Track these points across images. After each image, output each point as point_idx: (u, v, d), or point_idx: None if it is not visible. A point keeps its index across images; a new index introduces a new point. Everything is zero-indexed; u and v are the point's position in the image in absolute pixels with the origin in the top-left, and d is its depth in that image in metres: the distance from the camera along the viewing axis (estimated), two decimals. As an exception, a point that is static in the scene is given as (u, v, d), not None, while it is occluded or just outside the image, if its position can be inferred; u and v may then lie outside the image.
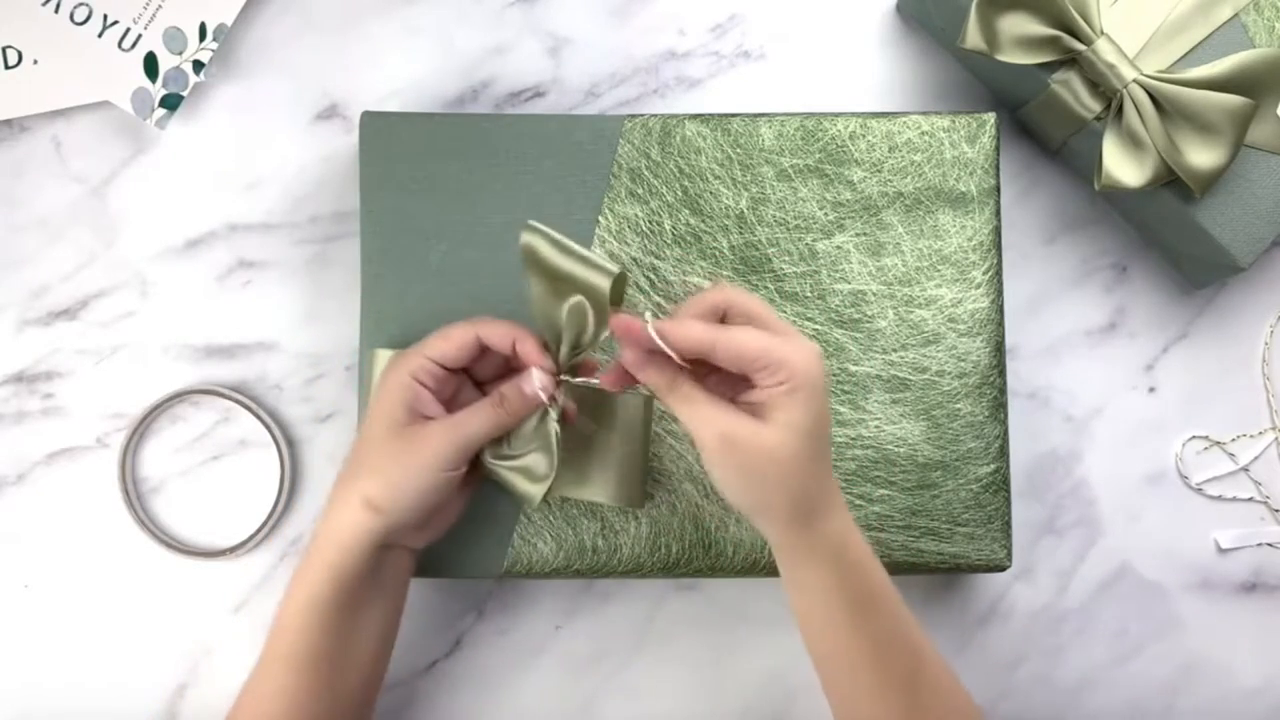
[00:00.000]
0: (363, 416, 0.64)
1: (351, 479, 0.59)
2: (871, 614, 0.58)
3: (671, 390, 0.57)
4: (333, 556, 0.58)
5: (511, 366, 0.62)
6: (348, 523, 0.58)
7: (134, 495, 0.71)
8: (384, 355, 0.64)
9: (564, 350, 0.59)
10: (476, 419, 0.60)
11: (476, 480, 0.63)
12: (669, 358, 0.57)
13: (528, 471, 0.61)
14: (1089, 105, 0.67)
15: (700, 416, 0.56)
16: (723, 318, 0.58)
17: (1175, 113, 0.65)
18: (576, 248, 0.57)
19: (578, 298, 0.57)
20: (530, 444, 0.61)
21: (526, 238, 0.57)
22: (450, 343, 0.60)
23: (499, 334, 0.60)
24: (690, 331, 0.56)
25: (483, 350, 0.61)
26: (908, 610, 0.59)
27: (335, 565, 0.58)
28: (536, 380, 0.59)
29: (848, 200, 0.68)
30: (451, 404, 0.62)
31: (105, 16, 0.71)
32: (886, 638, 0.58)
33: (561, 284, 0.58)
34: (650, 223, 0.68)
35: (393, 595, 0.62)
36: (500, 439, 0.62)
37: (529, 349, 0.60)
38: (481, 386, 0.64)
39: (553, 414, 0.60)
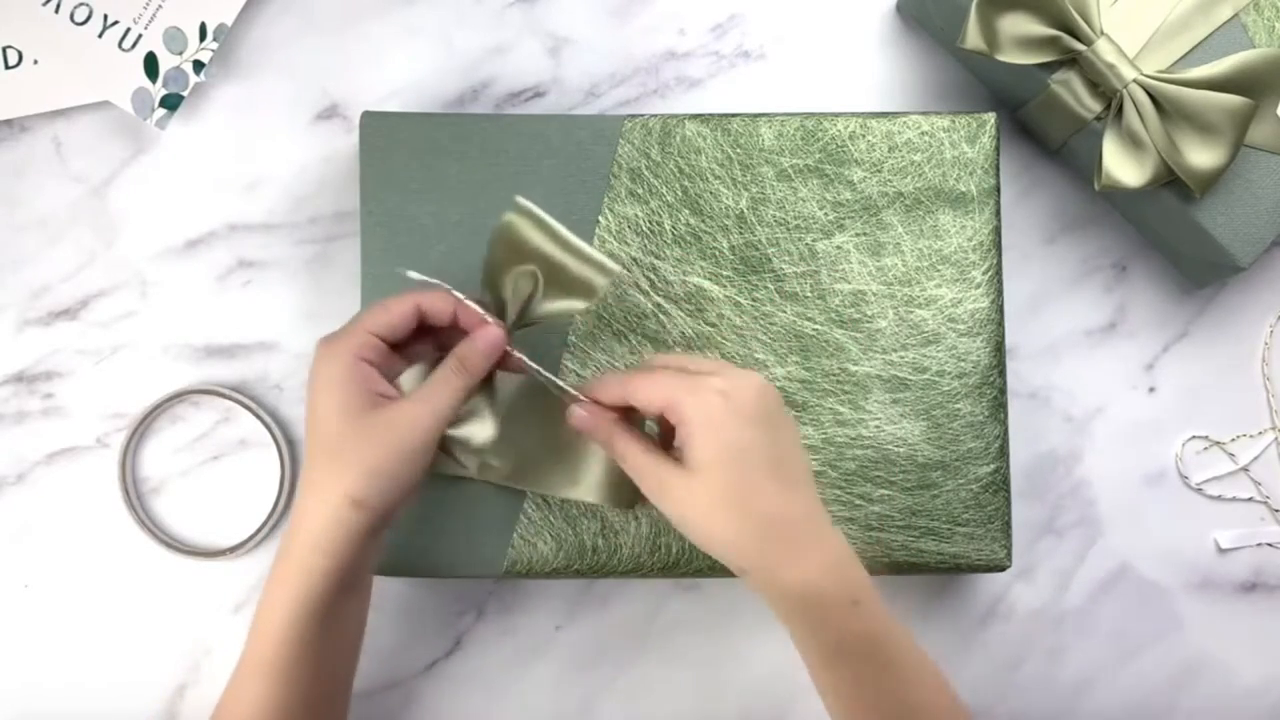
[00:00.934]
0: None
1: (323, 478, 0.56)
2: (840, 666, 0.56)
3: (608, 444, 0.59)
4: (317, 562, 0.56)
5: (442, 344, 0.60)
6: (330, 523, 0.55)
7: (134, 495, 0.71)
8: None
9: (510, 320, 0.60)
10: (444, 390, 0.58)
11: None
12: (609, 412, 0.58)
13: (467, 442, 0.61)
14: (1089, 105, 0.67)
15: (632, 468, 0.58)
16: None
17: (1175, 113, 0.65)
18: (571, 238, 0.58)
19: (528, 267, 0.59)
20: (471, 410, 0.61)
21: (511, 216, 0.58)
22: (389, 313, 0.58)
23: (437, 301, 0.59)
24: (607, 386, 0.58)
25: (418, 324, 0.59)
26: (904, 655, 0.57)
27: (322, 570, 0.56)
28: (487, 330, 0.58)
29: (848, 200, 0.68)
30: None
31: (105, 16, 0.71)
32: (862, 691, 0.56)
33: (544, 268, 0.59)
34: (650, 223, 0.68)
35: (368, 579, 0.60)
36: None
37: (471, 312, 0.59)
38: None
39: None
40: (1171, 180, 0.66)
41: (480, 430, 0.61)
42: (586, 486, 0.63)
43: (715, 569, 0.66)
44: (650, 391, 0.57)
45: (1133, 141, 0.66)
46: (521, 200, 0.59)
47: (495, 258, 0.60)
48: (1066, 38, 0.66)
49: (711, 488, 0.55)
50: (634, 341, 0.67)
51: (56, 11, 0.71)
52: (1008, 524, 0.67)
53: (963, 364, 0.67)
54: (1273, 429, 0.74)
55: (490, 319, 0.59)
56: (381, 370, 0.58)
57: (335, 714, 0.60)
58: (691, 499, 0.56)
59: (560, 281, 0.60)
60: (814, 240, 0.68)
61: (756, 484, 0.56)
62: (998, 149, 0.68)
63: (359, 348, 0.57)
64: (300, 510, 0.57)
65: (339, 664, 0.60)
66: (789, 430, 0.58)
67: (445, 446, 0.61)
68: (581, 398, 0.59)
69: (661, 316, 0.67)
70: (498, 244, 0.59)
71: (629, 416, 0.60)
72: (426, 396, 0.57)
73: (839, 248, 0.68)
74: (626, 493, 0.63)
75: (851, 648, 0.56)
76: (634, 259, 0.67)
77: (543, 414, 0.63)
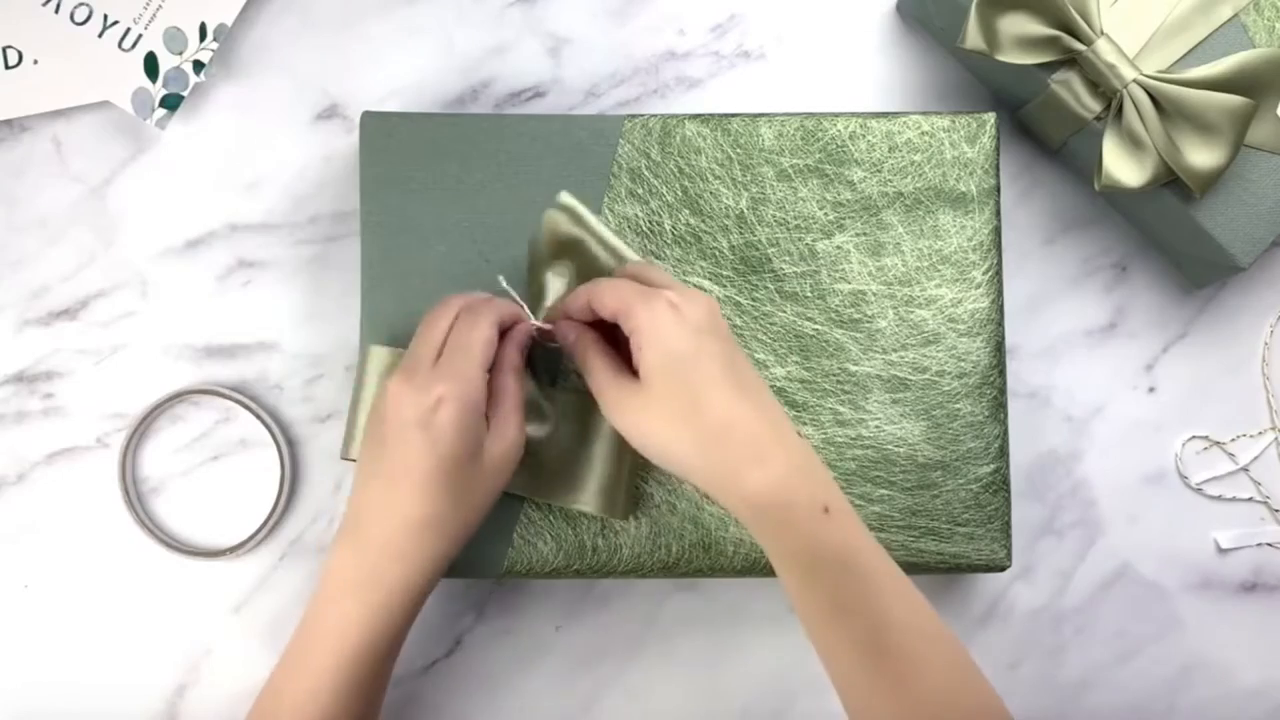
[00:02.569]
0: (356, 416, 0.64)
1: (401, 531, 0.57)
2: (816, 575, 0.55)
3: (579, 356, 0.59)
4: (386, 615, 0.58)
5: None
6: (404, 575, 0.58)
7: (134, 495, 0.71)
8: (379, 352, 0.65)
9: (541, 315, 0.64)
10: (514, 414, 0.60)
11: None
12: (578, 322, 0.60)
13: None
14: (1089, 105, 0.67)
15: (594, 384, 0.58)
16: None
17: (1175, 113, 0.65)
18: (607, 235, 0.63)
19: (563, 262, 0.64)
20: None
21: (553, 211, 0.64)
22: (487, 343, 0.60)
23: (506, 310, 0.62)
24: (576, 297, 0.60)
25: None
26: (881, 569, 0.56)
27: (391, 616, 0.58)
28: (527, 328, 0.62)
29: (848, 200, 0.68)
30: None
31: (105, 16, 0.71)
32: (839, 602, 0.55)
33: (578, 262, 0.63)
34: (650, 223, 0.68)
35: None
36: None
37: (510, 314, 0.62)
38: None
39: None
40: (1171, 180, 0.66)
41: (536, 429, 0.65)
42: (581, 494, 0.64)
43: (715, 569, 0.66)
44: (607, 297, 0.57)
45: (1133, 141, 0.66)
46: (565, 196, 0.63)
47: (538, 253, 0.63)
48: (1066, 38, 0.66)
49: (662, 397, 0.55)
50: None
51: (56, 11, 0.71)
52: (1008, 524, 0.67)
53: (963, 364, 0.67)
54: (1273, 429, 0.74)
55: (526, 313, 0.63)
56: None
57: None
58: (645, 412, 0.55)
59: (594, 274, 0.62)
60: (814, 240, 0.68)
61: (707, 391, 0.55)
62: (998, 149, 0.68)
63: (475, 396, 0.58)
64: (344, 566, 0.59)
65: (384, 675, 0.61)
66: (738, 348, 0.58)
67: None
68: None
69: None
70: (541, 239, 0.63)
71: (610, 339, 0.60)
72: (512, 423, 0.59)
73: (839, 248, 0.68)
74: (620, 503, 0.64)
75: (827, 559, 0.55)
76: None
77: (555, 421, 0.65)
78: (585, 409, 0.64)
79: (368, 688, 0.58)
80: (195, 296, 0.72)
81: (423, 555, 0.58)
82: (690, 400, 0.55)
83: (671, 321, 0.55)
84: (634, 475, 0.65)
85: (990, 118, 0.68)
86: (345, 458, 0.65)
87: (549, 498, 0.65)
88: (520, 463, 0.62)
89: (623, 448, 0.64)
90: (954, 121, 0.68)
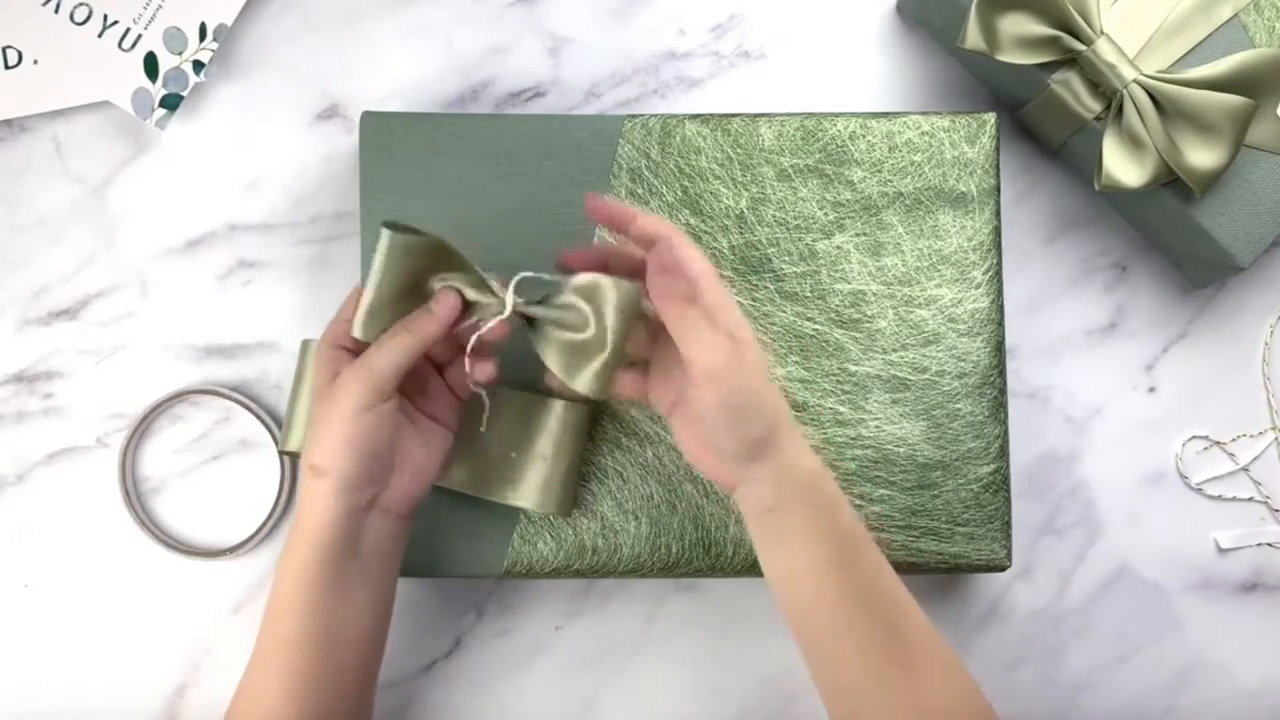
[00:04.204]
0: (295, 409, 0.65)
1: (303, 455, 0.60)
2: (855, 556, 0.57)
3: (685, 298, 0.57)
4: (304, 532, 0.58)
5: (460, 345, 0.61)
6: (305, 494, 0.58)
7: (134, 495, 0.71)
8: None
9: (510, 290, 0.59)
10: (380, 350, 0.58)
11: (444, 418, 0.63)
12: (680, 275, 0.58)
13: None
14: (1089, 105, 0.67)
15: (706, 338, 0.56)
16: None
17: (1175, 113, 0.65)
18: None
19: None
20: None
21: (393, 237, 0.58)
22: (352, 299, 0.61)
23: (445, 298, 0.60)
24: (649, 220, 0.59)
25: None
26: (884, 558, 0.59)
27: (309, 540, 0.58)
28: (445, 298, 0.59)
29: (848, 200, 0.68)
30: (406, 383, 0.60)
31: (105, 16, 0.71)
32: (869, 585, 0.57)
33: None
34: (650, 223, 0.68)
35: (377, 567, 0.60)
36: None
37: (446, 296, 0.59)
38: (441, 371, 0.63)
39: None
40: (1171, 180, 0.66)
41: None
42: (526, 492, 0.64)
43: (715, 569, 0.66)
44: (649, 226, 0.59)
45: (1133, 141, 0.66)
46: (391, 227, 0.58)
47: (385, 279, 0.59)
48: (1066, 38, 0.66)
49: (754, 349, 0.57)
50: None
51: (56, 11, 0.71)
52: (1008, 524, 0.67)
53: (963, 364, 0.67)
54: (1273, 429, 0.74)
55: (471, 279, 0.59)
56: (356, 353, 0.60)
57: (356, 694, 0.60)
58: (745, 359, 0.56)
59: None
60: (814, 240, 0.68)
61: (758, 366, 0.58)
62: (998, 149, 0.68)
63: (334, 336, 0.61)
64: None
65: (353, 640, 0.60)
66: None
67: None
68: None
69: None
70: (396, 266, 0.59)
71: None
72: (364, 357, 0.59)
73: (839, 248, 0.68)
74: (561, 499, 0.64)
75: (859, 540, 0.58)
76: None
77: (501, 418, 0.64)
78: (525, 406, 0.64)
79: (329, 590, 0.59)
80: (195, 296, 0.72)
81: (304, 479, 0.59)
82: (750, 352, 0.57)
83: (728, 357, 0.56)
84: (574, 472, 0.65)
85: (990, 118, 0.68)
86: (283, 451, 0.65)
87: (487, 494, 0.64)
88: (458, 459, 0.63)
89: (562, 444, 0.64)
90: (954, 121, 0.68)
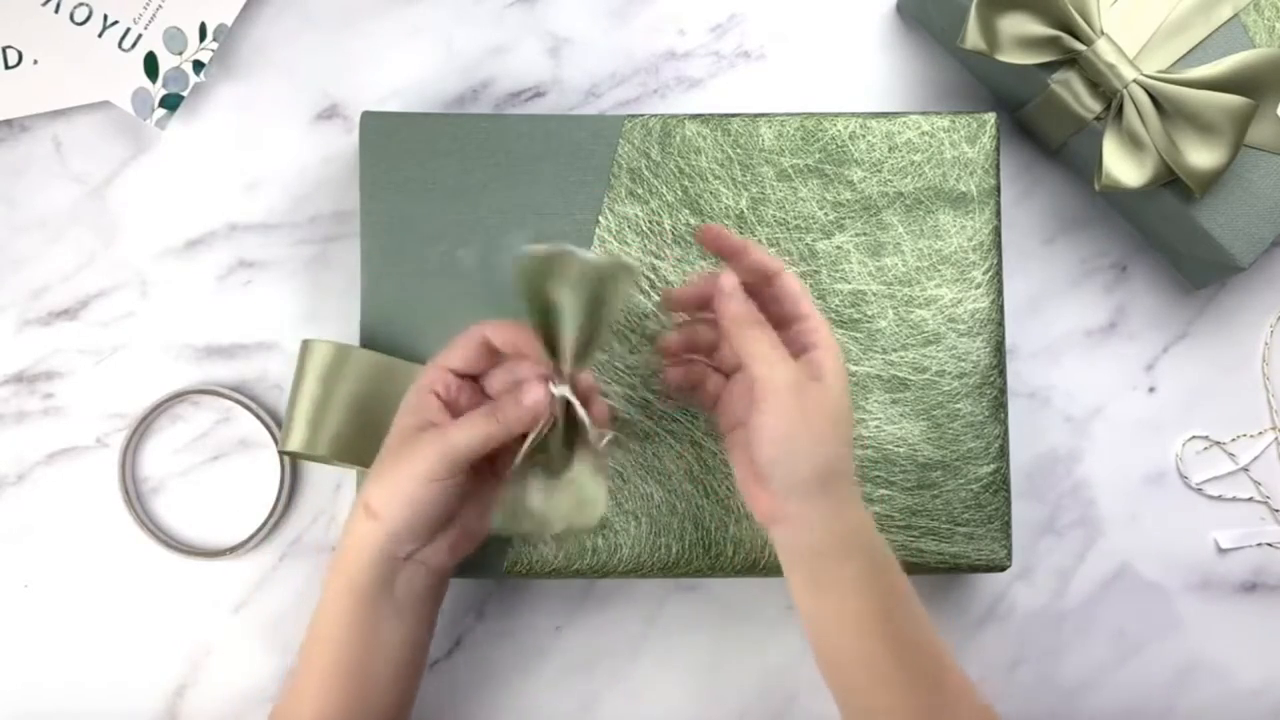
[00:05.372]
0: (295, 410, 0.65)
1: (363, 487, 0.59)
2: (899, 612, 0.58)
3: (756, 322, 0.57)
4: (342, 564, 0.58)
5: (520, 379, 0.59)
6: (354, 530, 0.58)
7: (134, 495, 0.71)
8: (318, 346, 0.65)
9: (568, 356, 0.57)
10: (463, 428, 0.57)
11: (497, 495, 0.61)
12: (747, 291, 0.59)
13: (572, 509, 0.58)
14: (1089, 105, 0.67)
15: (773, 357, 0.57)
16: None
17: (1175, 113, 0.65)
18: (581, 255, 0.55)
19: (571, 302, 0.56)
20: (565, 463, 0.58)
21: (523, 263, 0.56)
22: (460, 348, 0.59)
23: (505, 332, 0.59)
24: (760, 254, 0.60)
25: (493, 356, 0.60)
26: (924, 610, 0.59)
27: (348, 574, 0.58)
28: (534, 389, 0.57)
29: (848, 200, 0.68)
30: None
31: (105, 16, 0.71)
32: (913, 638, 0.58)
33: (569, 293, 0.56)
34: (650, 223, 0.68)
35: (411, 614, 0.60)
36: (541, 463, 0.58)
37: (528, 343, 0.58)
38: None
39: (585, 422, 0.57)
40: (1171, 180, 0.66)
41: (536, 497, 0.59)
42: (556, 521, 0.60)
43: (715, 569, 0.66)
44: (790, 285, 0.59)
45: (1133, 141, 0.66)
46: (527, 249, 0.56)
47: (529, 302, 0.57)
48: (1066, 38, 0.66)
49: (838, 392, 0.57)
50: (634, 341, 0.67)
51: (56, 11, 0.71)
52: (1008, 524, 0.67)
53: (963, 364, 0.67)
54: (1273, 429, 0.74)
55: (544, 359, 0.57)
56: (449, 402, 0.59)
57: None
58: (822, 396, 0.57)
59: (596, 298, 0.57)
60: (814, 240, 0.68)
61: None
62: (998, 149, 0.68)
63: (429, 380, 0.59)
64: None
65: (385, 680, 0.60)
66: None
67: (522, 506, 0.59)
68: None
69: (662, 316, 0.67)
70: (522, 291, 0.56)
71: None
72: (446, 430, 0.58)
73: (839, 248, 0.68)
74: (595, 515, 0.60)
75: (910, 593, 0.59)
76: (634, 259, 0.67)
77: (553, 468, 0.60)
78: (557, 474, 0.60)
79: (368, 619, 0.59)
80: (195, 296, 0.72)
81: (356, 514, 0.59)
82: (849, 410, 0.59)
83: (828, 332, 0.59)
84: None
85: (990, 118, 0.68)
86: (283, 450, 0.65)
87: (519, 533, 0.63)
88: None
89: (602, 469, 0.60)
90: (954, 121, 0.68)
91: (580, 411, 0.57)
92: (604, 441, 0.58)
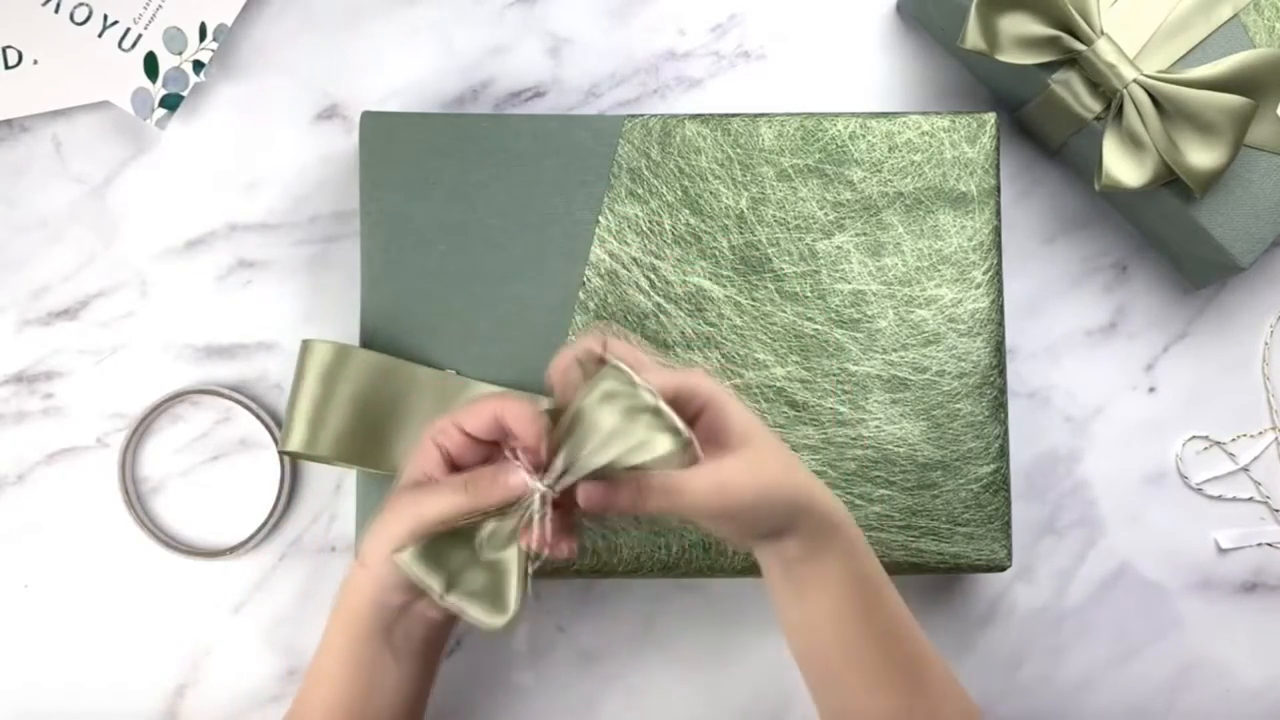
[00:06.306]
0: (295, 411, 0.64)
1: (360, 536, 0.60)
2: (878, 603, 0.58)
3: (646, 493, 0.54)
4: (344, 606, 0.58)
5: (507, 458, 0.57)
6: (351, 577, 0.58)
7: (134, 495, 0.71)
8: (318, 346, 0.65)
9: (558, 464, 0.53)
10: (435, 500, 0.55)
11: None
12: (616, 483, 0.54)
13: (478, 594, 0.55)
14: (1089, 105, 0.67)
15: (683, 490, 0.54)
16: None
17: (1175, 113, 0.65)
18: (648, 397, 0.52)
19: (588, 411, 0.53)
20: (496, 549, 0.55)
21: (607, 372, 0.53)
22: (473, 414, 0.56)
23: (519, 420, 0.55)
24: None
25: (504, 430, 0.56)
26: (902, 600, 0.60)
27: (343, 616, 0.58)
28: (515, 474, 0.54)
29: (848, 200, 0.68)
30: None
31: (105, 16, 0.71)
32: (893, 629, 0.58)
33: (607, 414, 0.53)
34: (650, 223, 0.68)
35: (410, 661, 0.59)
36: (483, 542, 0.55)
37: (534, 434, 0.54)
38: None
39: (535, 518, 0.53)
40: (1171, 180, 0.67)
41: (485, 614, 0.55)
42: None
43: (715, 569, 0.66)
44: (664, 377, 0.55)
45: (1133, 141, 0.66)
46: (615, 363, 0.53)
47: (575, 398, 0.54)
48: (1066, 38, 0.66)
49: (769, 444, 0.57)
50: (634, 341, 0.67)
51: (56, 11, 0.71)
52: (1008, 524, 0.67)
53: (963, 364, 0.67)
54: (1273, 429, 0.74)
55: (540, 450, 0.54)
56: (454, 457, 0.57)
57: None
58: (742, 463, 0.55)
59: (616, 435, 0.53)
60: (814, 240, 0.68)
61: (779, 442, 0.59)
62: (998, 149, 0.68)
63: (437, 430, 0.57)
64: None
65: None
66: None
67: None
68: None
69: (661, 316, 0.67)
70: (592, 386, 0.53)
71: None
72: (422, 499, 0.56)
73: (839, 248, 0.68)
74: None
75: (887, 582, 0.59)
76: (634, 259, 0.67)
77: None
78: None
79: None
80: (195, 296, 0.72)
81: (356, 558, 0.59)
82: (770, 435, 0.58)
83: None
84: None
85: (990, 118, 0.68)
86: (283, 450, 0.65)
87: None
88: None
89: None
90: (954, 121, 0.68)
91: (537, 525, 0.54)
92: (532, 567, 0.55)
